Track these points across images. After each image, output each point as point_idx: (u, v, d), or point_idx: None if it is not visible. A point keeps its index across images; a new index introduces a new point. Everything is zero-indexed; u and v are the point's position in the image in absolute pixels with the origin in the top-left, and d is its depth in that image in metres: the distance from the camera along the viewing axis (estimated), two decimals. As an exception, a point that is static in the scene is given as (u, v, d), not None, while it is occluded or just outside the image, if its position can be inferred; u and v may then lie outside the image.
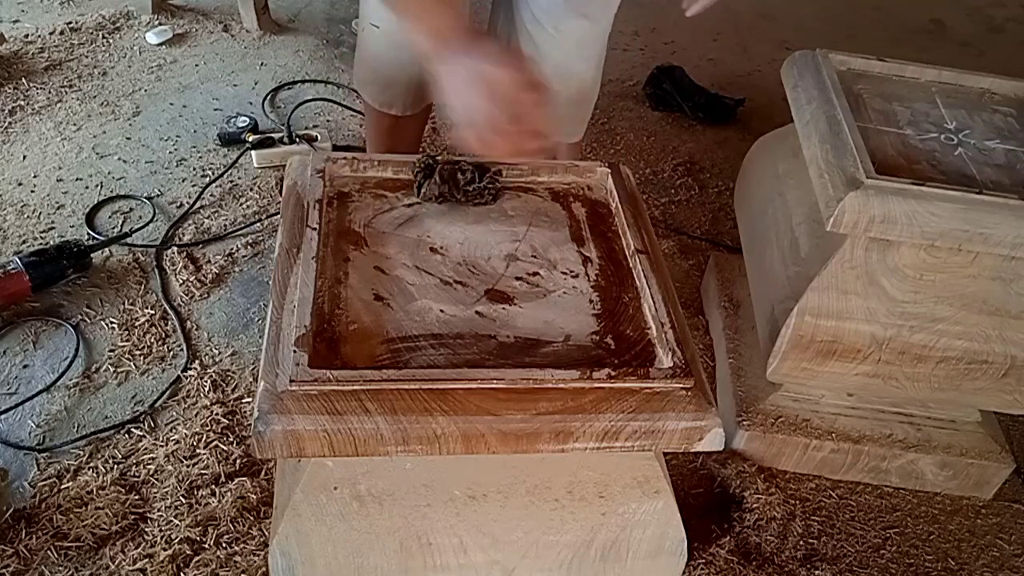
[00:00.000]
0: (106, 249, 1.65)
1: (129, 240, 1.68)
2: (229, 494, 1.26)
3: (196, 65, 2.22)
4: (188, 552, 1.20)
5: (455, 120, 0.90)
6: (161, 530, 1.22)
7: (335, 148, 1.96)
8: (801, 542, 1.31)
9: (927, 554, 1.34)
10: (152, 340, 1.50)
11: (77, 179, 1.82)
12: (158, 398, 1.40)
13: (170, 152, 1.93)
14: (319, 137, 1.95)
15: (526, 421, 0.78)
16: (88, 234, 1.68)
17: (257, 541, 1.22)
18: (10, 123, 1.94)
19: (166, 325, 1.53)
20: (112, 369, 1.45)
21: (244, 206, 1.80)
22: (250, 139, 1.92)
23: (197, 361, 1.47)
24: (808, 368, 1.23)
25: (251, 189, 1.84)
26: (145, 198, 1.78)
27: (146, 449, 1.33)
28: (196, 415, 1.38)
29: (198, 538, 1.21)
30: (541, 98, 0.90)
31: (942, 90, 1.35)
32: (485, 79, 0.87)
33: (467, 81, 0.88)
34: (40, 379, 1.42)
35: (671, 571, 0.96)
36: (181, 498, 1.26)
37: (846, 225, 1.09)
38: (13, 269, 1.50)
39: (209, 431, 1.35)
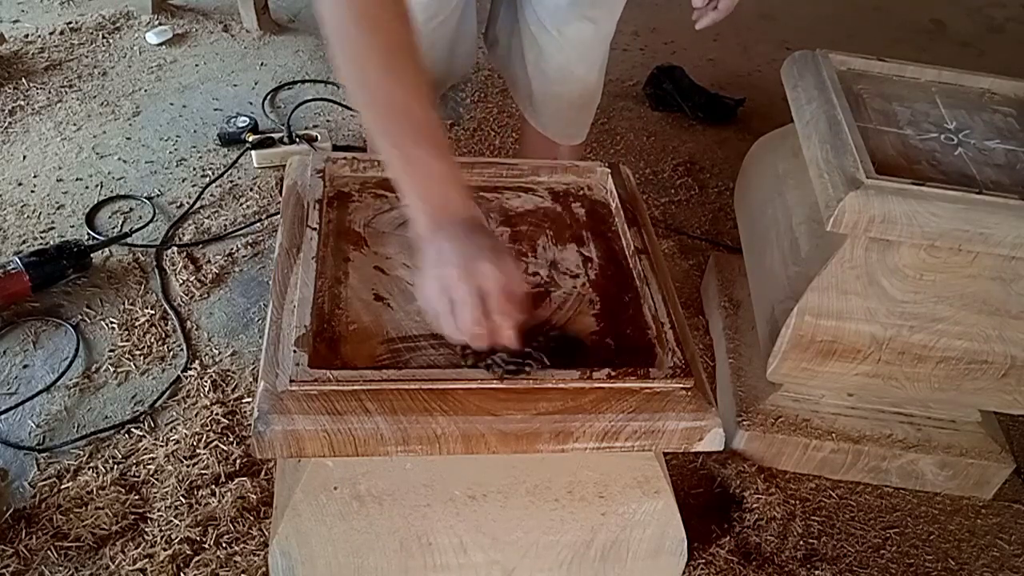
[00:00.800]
0: (106, 249, 1.65)
1: (129, 240, 1.68)
2: (229, 494, 1.26)
3: (196, 65, 2.22)
4: (188, 552, 1.20)
5: (420, 300, 0.83)
6: (161, 530, 1.22)
7: (335, 148, 1.96)
8: (801, 542, 1.31)
9: (927, 554, 1.34)
10: (152, 340, 1.50)
11: (77, 179, 1.82)
12: (158, 398, 1.40)
13: (170, 152, 1.93)
14: (319, 137, 1.95)
15: (526, 421, 0.78)
16: (88, 234, 1.68)
17: (257, 541, 1.22)
18: (10, 123, 1.94)
19: (166, 325, 1.53)
20: (112, 369, 1.45)
21: (244, 206, 1.80)
22: (250, 139, 1.91)
23: (197, 361, 1.47)
24: (808, 368, 1.23)
25: (251, 189, 1.84)
26: (145, 198, 1.78)
27: (146, 449, 1.33)
28: (196, 415, 1.38)
29: (198, 538, 1.21)
30: (516, 306, 0.79)
31: (942, 90, 1.35)
32: (464, 273, 0.77)
33: (443, 275, 0.78)
34: (40, 379, 1.42)
35: (671, 571, 0.96)
36: (181, 498, 1.26)
37: (846, 225, 1.09)
38: (13, 269, 1.49)
39: (209, 431, 1.35)
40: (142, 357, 1.47)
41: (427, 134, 0.81)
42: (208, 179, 1.85)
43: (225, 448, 1.33)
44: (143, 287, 1.60)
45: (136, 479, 1.29)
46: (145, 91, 2.11)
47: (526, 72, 1.37)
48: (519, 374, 0.79)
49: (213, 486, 1.28)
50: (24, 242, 1.66)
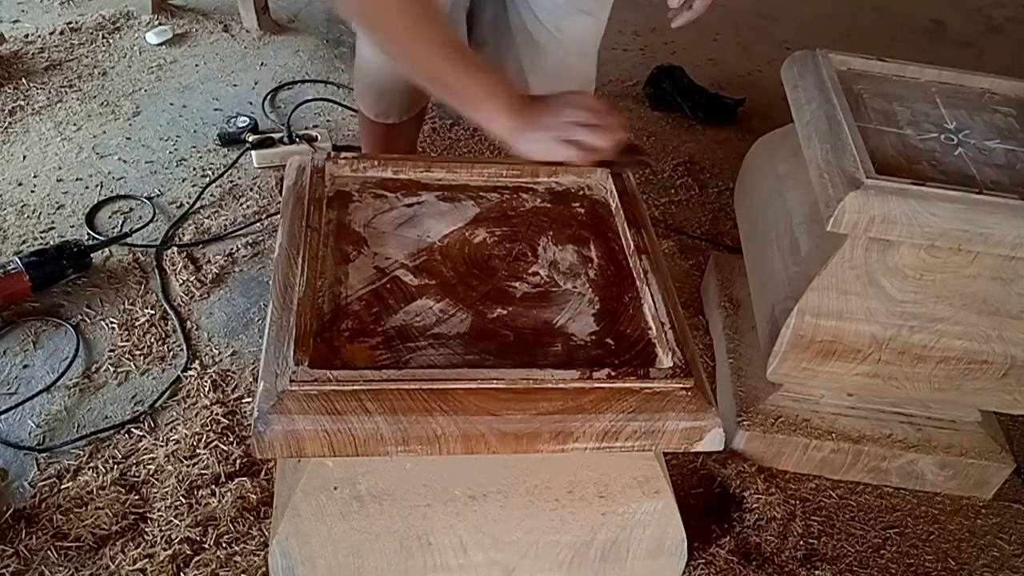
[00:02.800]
0: (106, 249, 1.65)
1: (129, 240, 1.68)
2: (229, 494, 1.26)
3: (196, 65, 2.23)
4: (188, 552, 1.20)
5: (547, 156, 1.02)
6: (161, 530, 1.22)
7: (335, 148, 1.96)
8: (801, 542, 1.31)
9: (927, 554, 1.34)
10: (152, 340, 1.50)
11: (77, 179, 1.82)
12: (158, 398, 1.40)
13: (170, 152, 1.93)
14: (319, 137, 1.95)
15: (526, 421, 0.78)
16: (88, 234, 1.68)
17: (257, 541, 1.22)
18: (10, 123, 1.94)
19: (166, 325, 1.53)
20: (112, 369, 1.45)
21: (244, 206, 1.80)
22: (250, 139, 1.92)
23: (197, 361, 1.47)
24: (808, 368, 1.23)
25: (251, 189, 1.84)
26: (145, 198, 1.79)
27: (146, 449, 1.33)
28: (196, 415, 1.38)
29: (198, 538, 1.21)
30: (604, 107, 1.02)
31: (942, 90, 1.35)
32: (565, 121, 0.99)
33: (550, 140, 0.99)
34: (40, 379, 1.42)
35: (671, 571, 0.96)
36: (181, 498, 1.26)
37: (846, 225, 1.09)
38: (13, 269, 1.50)
39: (209, 431, 1.35)
40: (142, 357, 1.47)
41: (475, 66, 0.99)
42: (208, 179, 1.85)
43: (225, 448, 1.33)
44: (143, 287, 1.60)
45: (136, 479, 1.29)
46: (145, 91, 2.11)
47: (521, 71, 1.37)
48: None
49: (213, 486, 1.28)
50: (24, 242, 1.66)
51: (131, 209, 1.77)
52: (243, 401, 1.42)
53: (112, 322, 1.52)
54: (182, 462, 1.31)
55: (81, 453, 1.31)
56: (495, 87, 0.99)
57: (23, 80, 2.06)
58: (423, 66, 0.99)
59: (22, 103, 2.00)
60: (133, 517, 1.24)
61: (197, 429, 1.35)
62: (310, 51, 2.32)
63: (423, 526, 0.88)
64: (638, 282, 0.93)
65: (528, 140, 1.00)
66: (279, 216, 1.07)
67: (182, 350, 1.49)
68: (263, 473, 1.30)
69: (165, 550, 1.19)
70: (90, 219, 1.73)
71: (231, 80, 2.19)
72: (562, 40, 1.30)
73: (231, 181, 1.86)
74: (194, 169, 1.88)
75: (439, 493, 0.87)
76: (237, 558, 1.19)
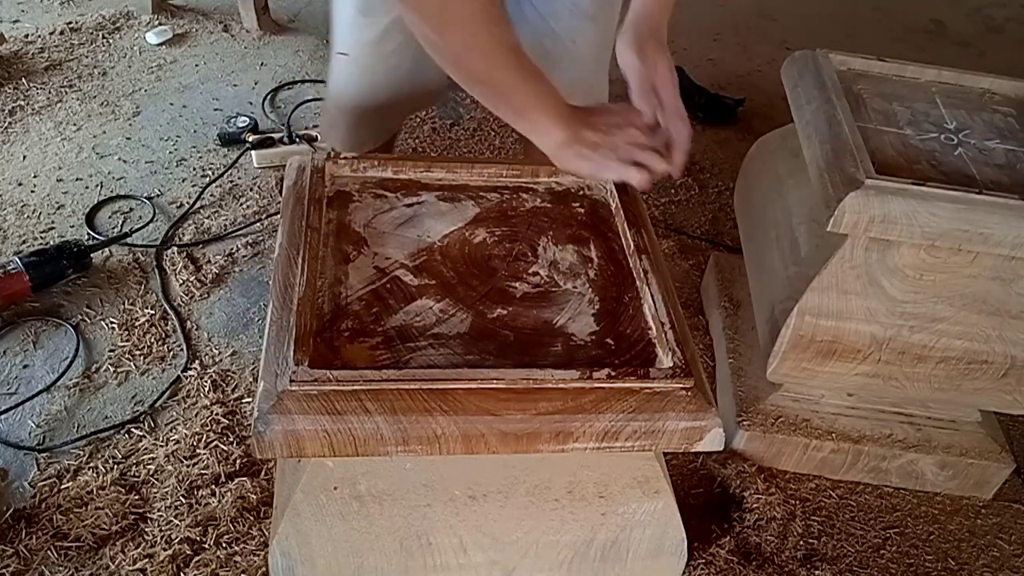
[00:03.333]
0: (106, 249, 1.65)
1: (129, 240, 1.68)
2: (229, 494, 1.26)
3: (196, 65, 2.23)
4: (188, 552, 1.20)
5: (600, 174, 0.99)
6: (161, 530, 1.22)
7: (335, 148, 1.96)
8: (801, 542, 1.31)
9: (927, 554, 1.34)
10: (152, 340, 1.50)
11: (77, 179, 1.82)
12: (158, 398, 1.40)
13: (170, 152, 1.93)
14: (319, 137, 1.95)
15: (526, 421, 0.78)
16: (88, 234, 1.68)
17: (257, 541, 1.22)
18: (10, 123, 1.94)
19: (166, 325, 1.53)
20: (112, 369, 1.45)
21: (244, 206, 1.80)
22: (250, 139, 1.92)
23: (197, 361, 1.47)
24: (808, 368, 1.23)
25: (251, 189, 1.84)
26: (145, 198, 1.79)
27: (146, 449, 1.33)
28: (196, 415, 1.38)
29: (198, 538, 1.21)
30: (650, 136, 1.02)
31: (942, 90, 1.35)
32: (612, 139, 0.97)
33: (607, 159, 0.96)
34: (40, 379, 1.42)
35: (671, 571, 0.96)
36: (181, 498, 1.26)
37: (846, 225, 1.09)
38: (13, 269, 1.50)
39: (209, 431, 1.35)
40: (142, 357, 1.47)
41: (530, 73, 0.94)
42: (208, 179, 1.85)
43: (225, 448, 1.33)
44: (143, 287, 1.60)
45: (136, 479, 1.29)
46: (145, 91, 2.11)
47: None
48: None
49: (213, 486, 1.28)
50: (24, 242, 1.66)
51: (131, 209, 1.77)
52: (243, 401, 1.42)
53: (112, 322, 1.52)
54: (182, 462, 1.31)
55: (81, 453, 1.31)
56: (547, 97, 0.94)
57: (23, 80, 2.06)
58: (479, 67, 0.92)
59: (22, 103, 2.00)
60: (133, 517, 1.24)
61: (197, 429, 1.35)
62: (310, 51, 2.32)
63: (423, 526, 0.88)
64: (638, 282, 0.93)
65: (579, 156, 0.96)
66: (279, 216, 1.07)
67: (182, 350, 1.49)
68: (263, 473, 1.30)
69: (165, 550, 1.19)
70: (90, 219, 1.73)
71: (231, 80, 2.19)
72: (576, 53, 1.28)
73: (231, 181, 1.86)
74: (194, 169, 1.88)
75: (439, 493, 0.87)
76: (237, 558, 1.19)
